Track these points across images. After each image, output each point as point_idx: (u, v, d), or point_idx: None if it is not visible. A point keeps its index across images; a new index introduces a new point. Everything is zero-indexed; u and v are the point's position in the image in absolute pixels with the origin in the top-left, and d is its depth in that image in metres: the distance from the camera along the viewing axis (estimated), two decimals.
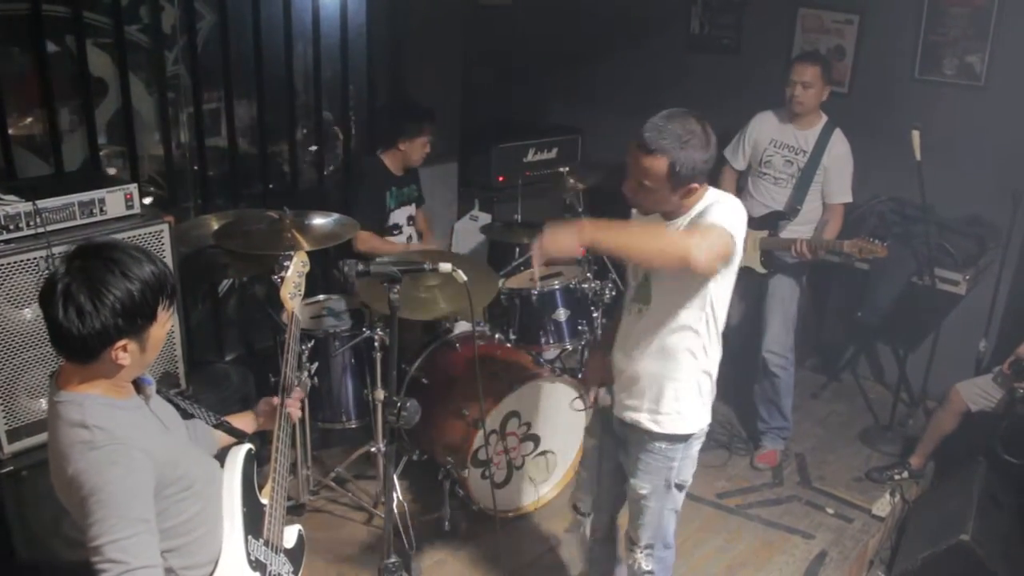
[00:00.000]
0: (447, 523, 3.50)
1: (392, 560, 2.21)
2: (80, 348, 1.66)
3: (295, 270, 2.30)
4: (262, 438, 2.16)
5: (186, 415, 2.04)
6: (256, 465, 2.08)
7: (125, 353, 1.69)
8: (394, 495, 2.56)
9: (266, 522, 2.03)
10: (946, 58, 4.38)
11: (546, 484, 3.73)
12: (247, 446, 2.06)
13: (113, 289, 1.64)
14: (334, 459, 3.84)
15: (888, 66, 4.56)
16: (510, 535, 3.51)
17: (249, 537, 1.96)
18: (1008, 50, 4.18)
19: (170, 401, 2.00)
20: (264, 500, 2.06)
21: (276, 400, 2.17)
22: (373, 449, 3.55)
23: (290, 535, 2.15)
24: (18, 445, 2.72)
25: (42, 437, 2.71)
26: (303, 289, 2.36)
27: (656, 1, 5.33)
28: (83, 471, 1.62)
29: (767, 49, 4.88)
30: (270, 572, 1.98)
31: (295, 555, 2.14)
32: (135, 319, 1.67)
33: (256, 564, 1.95)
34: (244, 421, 2.21)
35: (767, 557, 3.56)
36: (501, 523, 3.39)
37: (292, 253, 2.34)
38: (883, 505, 3.83)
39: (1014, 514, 3.53)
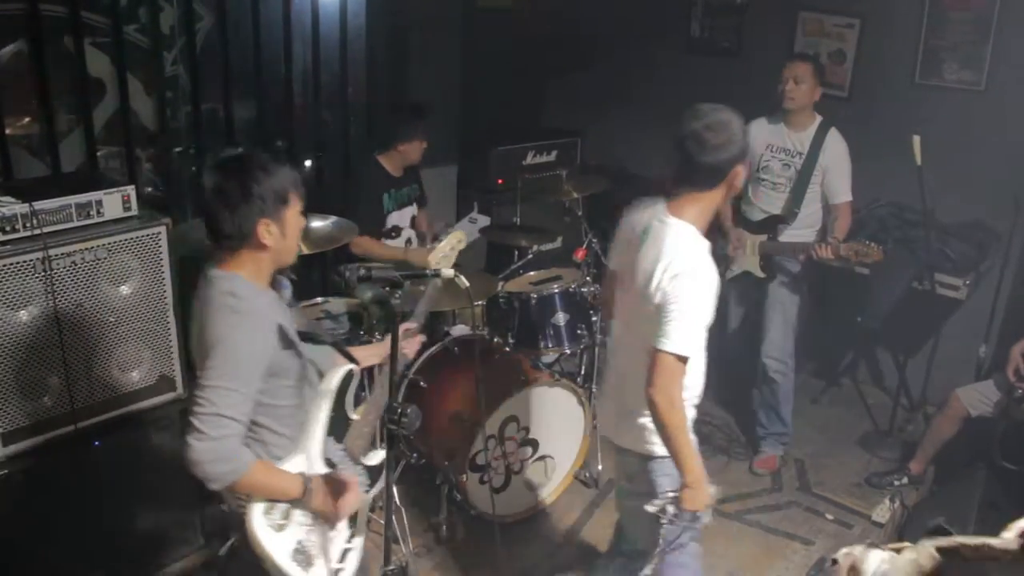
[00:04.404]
0: (445, 528, 3.48)
1: (391, 567, 2.20)
2: (234, 234, 2.00)
3: (449, 243, 2.61)
4: None
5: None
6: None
7: (268, 233, 2.02)
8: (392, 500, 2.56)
9: (348, 434, 2.31)
10: (947, 63, 4.37)
11: (545, 489, 3.71)
12: (349, 366, 2.32)
13: (259, 183, 1.99)
14: None
15: (889, 70, 4.55)
16: (508, 540, 3.48)
17: (330, 438, 2.23)
18: (1009, 55, 4.17)
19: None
20: (354, 416, 2.34)
21: (406, 326, 2.49)
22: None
23: (376, 456, 2.39)
24: (13, 448, 2.69)
25: (37, 440, 2.71)
26: (452, 261, 2.63)
27: (656, 4, 5.32)
28: (220, 324, 1.95)
29: (767, 53, 4.86)
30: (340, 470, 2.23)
31: (373, 473, 2.36)
32: (275, 201, 2.02)
33: (328, 462, 2.20)
34: (370, 351, 2.53)
35: (766, 563, 3.54)
36: (499, 528, 3.37)
37: (451, 230, 2.63)
38: (883, 511, 3.81)
39: (1014, 520, 3.51)
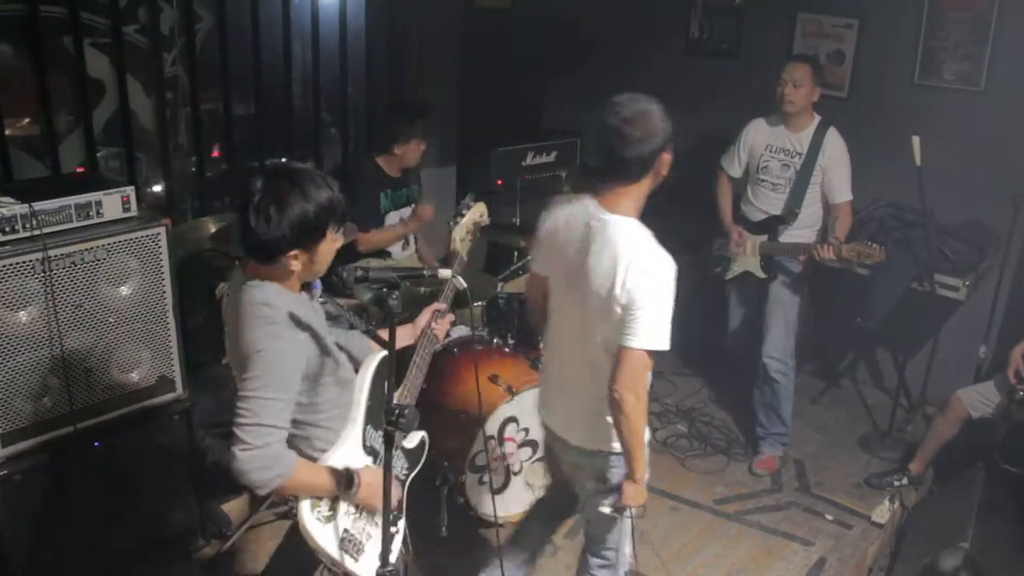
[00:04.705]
0: (444, 529, 3.48)
1: (390, 567, 2.19)
2: (262, 250, 2.00)
3: (471, 217, 2.59)
4: None
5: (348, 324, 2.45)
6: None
7: (297, 261, 2.02)
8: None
9: None
10: (946, 63, 4.37)
11: (544, 490, 3.70)
12: (384, 352, 2.30)
13: (294, 206, 1.95)
14: None
15: (888, 71, 4.55)
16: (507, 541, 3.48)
17: (369, 426, 2.24)
18: (1007, 55, 4.17)
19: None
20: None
21: (436, 306, 2.57)
22: None
23: (413, 438, 2.45)
24: (12, 449, 2.69)
25: (37, 441, 2.71)
26: (475, 237, 2.64)
27: (656, 4, 5.32)
28: (258, 338, 1.97)
29: (766, 54, 4.87)
30: (382, 460, 2.17)
31: (413, 456, 2.45)
32: (308, 234, 2.00)
33: (370, 450, 2.23)
34: (403, 332, 2.48)
35: (766, 564, 3.54)
36: (499, 529, 3.37)
37: (471, 203, 2.62)
38: (882, 512, 3.81)
39: (1014, 521, 3.52)
